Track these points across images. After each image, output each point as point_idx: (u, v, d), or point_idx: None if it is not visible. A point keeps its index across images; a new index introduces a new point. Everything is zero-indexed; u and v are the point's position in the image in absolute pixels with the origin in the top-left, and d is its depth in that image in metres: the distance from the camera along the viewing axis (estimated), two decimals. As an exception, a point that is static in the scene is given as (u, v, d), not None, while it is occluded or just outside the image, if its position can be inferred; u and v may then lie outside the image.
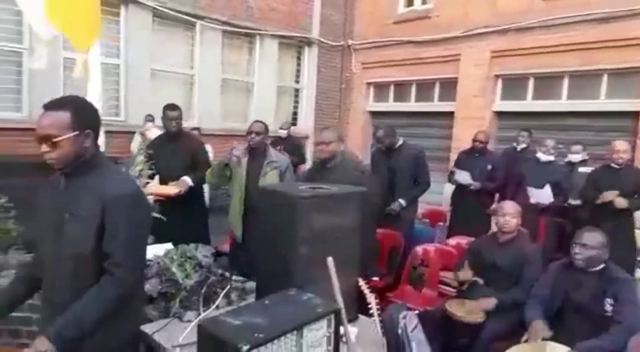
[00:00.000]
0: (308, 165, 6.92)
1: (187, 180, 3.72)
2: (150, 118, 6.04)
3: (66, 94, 1.79)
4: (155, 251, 2.49)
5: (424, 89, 8.44)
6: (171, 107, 3.79)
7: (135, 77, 6.82)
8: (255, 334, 1.56)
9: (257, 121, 3.61)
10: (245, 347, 1.49)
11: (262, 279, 2.31)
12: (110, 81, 6.53)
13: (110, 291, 1.62)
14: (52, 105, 1.61)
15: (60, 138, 1.57)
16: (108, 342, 1.65)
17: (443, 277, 3.48)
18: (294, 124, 9.07)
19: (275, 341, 1.60)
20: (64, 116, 1.59)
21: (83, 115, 1.64)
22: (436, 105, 8.26)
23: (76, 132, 1.60)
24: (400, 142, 4.51)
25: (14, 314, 2.12)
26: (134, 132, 6.19)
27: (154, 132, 5.25)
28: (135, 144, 5.49)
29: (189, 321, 2.17)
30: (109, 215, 1.60)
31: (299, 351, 1.68)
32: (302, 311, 1.78)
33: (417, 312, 2.11)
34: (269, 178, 3.43)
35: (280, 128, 6.82)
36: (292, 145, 6.64)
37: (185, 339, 2.00)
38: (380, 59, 8.75)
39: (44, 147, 1.58)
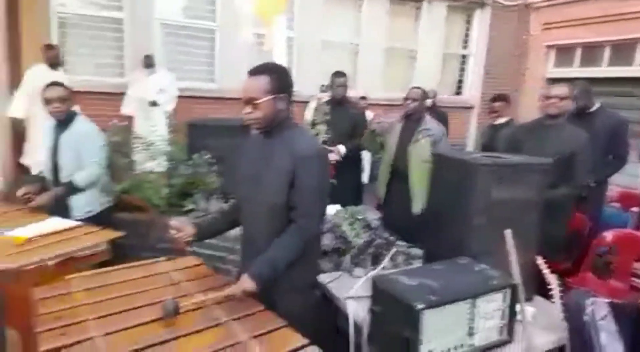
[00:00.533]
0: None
1: (341, 148, 3.86)
2: (324, 88, 6.32)
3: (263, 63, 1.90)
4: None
5: (622, 50, 7.17)
6: (338, 73, 3.97)
7: (307, 49, 7.22)
8: (430, 296, 1.59)
9: (414, 87, 3.59)
10: (420, 306, 1.52)
11: (431, 246, 2.31)
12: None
13: (296, 238, 1.80)
14: (255, 72, 1.78)
15: (260, 100, 1.74)
16: (294, 284, 1.85)
17: (636, 269, 3.01)
18: (459, 93, 8.62)
19: (449, 306, 1.60)
20: (264, 81, 1.74)
21: (280, 80, 1.78)
22: (637, 69, 6.96)
23: (274, 96, 1.75)
24: (597, 105, 3.75)
25: (222, 243, 2.53)
26: (306, 102, 6.61)
27: (313, 103, 5.50)
28: (310, 112, 5.84)
29: (359, 277, 2.30)
30: (298, 171, 1.75)
31: (471, 319, 1.66)
32: (476, 280, 1.75)
33: (606, 301, 1.88)
34: (420, 146, 3.39)
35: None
36: (437, 116, 6.14)
37: (356, 292, 2.14)
38: (565, 18, 7.65)
39: (247, 109, 1.78)
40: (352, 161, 4.08)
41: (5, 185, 3.14)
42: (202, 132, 3.66)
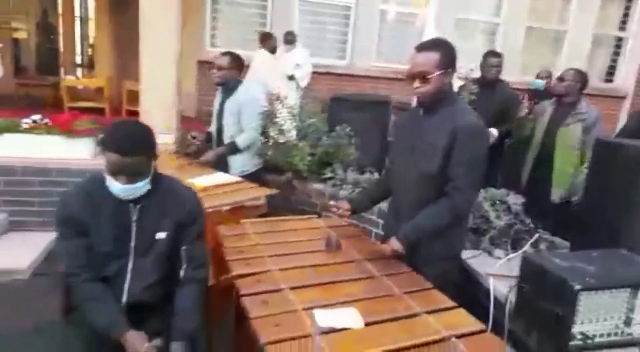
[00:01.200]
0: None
1: (493, 131, 3.74)
2: (473, 68, 6.10)
3: (429, 39, 1.99)
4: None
5: None
6: (492, 53, 3.84)
7: (444, 28, 7.07)
8: (587, 278, 1.59)
9: (569, 69, 3.49)
10: (578, 287, 1.54)
11: (581, 237, 2.23)
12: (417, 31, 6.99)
13: (447, 209, 1.84)
14: (425, 47, 1.84)
15: (431, 75, 1.79)
16: (439, 253, 1.94)
17: None
18: (609, 80, 7.77)
19: (607, 291, 1.59)
20: (435, 56, 1.79)
21: (448, 55, 1.82)
22: None
23: (442, 71, 1.80)
24: None
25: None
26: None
27: (457, 82, 5.37)
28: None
29: (499, 258, 2.33)
30: (458, 145, 1.79)
31: (630, 309, 1.63)
32: (637, 272, 1.69)
33: None
34: (570, 131, 3.23)
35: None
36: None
37: (497, 270, 2.18)
38: None
39: (416, 83, 1.85)
40: (494, 145, 3.97)
41: (176, 140, 3.70)
42: (342, 106, 3.88)
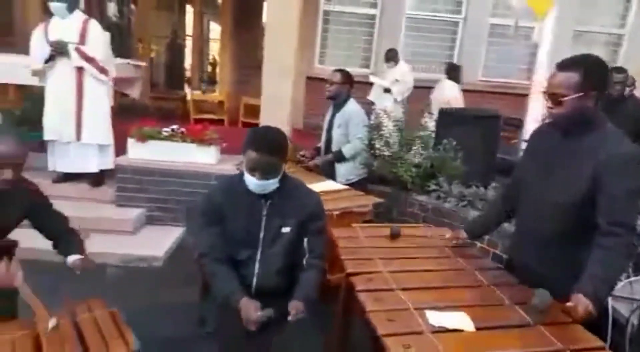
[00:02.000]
0: None
1: None
2: None
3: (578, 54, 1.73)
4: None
5: None
6: (618, 69, 3.59)
7: (559, 40, 6.72)
8: None
9: None
10: None
11: None
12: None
13: (624, 252, 1.60)
14: (565, 66, 1.66)
15: (565, 98, 1.63)
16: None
17: None
18: None
19: None
20: (573, 77, 1.62)
21: (592, 76, 1.63)
22: None
23: (581, 94, 1.61)
24: None
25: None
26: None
27: None
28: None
29: (619, 280, 2.22)
30: (610, 175, 1.59)
31: None
32: None
33: None
34: None
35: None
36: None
37: (618, 292, 2.08)
38: None
39: (549, 103, 1.72)
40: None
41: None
42: (449, 119, 3.90)
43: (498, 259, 2.84)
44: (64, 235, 2.01)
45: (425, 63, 7.07)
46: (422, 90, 6.18)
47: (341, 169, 3.55)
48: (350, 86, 3.53)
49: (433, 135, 3.91)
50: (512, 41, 6.07)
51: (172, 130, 4.01)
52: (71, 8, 3.78)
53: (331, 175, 3.50)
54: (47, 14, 4.22)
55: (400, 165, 3.62)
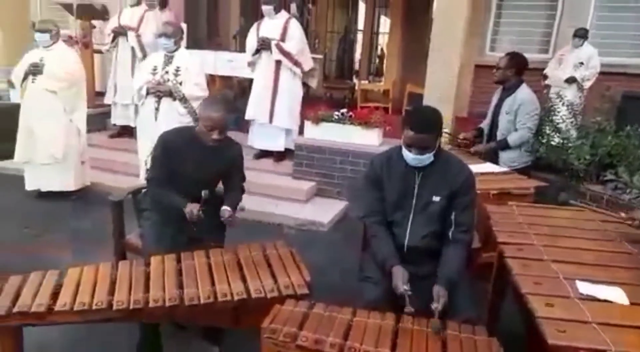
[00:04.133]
0: None
1: None
2: None
3: None
4: None
5: None
6: None
7: None
8: None
9: None
10: None
11: None
12: None
13: None
14: None
15: None
16: None
17: None
18: None
19: None
20: None
21: None
22: None
23: None
24: None
25: None
26: None
27: None
28: None
29: None
30: None
31: None
32: None
33: None
34: None
35: None
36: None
37: None
38: None
39: None
40: None
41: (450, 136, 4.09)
42: (637, 105, 3.50)
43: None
44: (233, 191, 2.50)
45: (614, 47, 6.23)
46: (608, 76, 5.52)
47: (504, 155, 3.49)
48: (520, 71, 3.43)
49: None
50: None
51: (342, 114, 4.46)
52: (277, 9, 4.51)
53: (493, 161, 3.47)
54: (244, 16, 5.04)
55: (571, 153, 3.41)
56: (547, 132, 3.59)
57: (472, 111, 6.33)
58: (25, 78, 4.05)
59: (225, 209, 2.32)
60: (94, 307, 1.73)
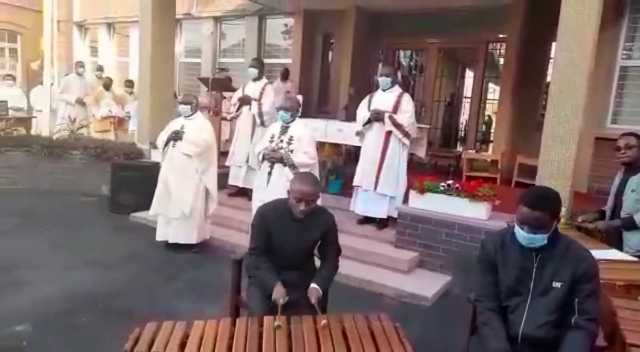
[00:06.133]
0: None
1: None
2: None
3: None
4: None
5: None
6: None
7: None
8: None
9: None
10: None
11: None
12: None
13: None
14: None
15: None
16: None
17: None
18: None
19: None
20: None
21: None
22: None
23: None
24: None
25: None
26: None
27: None
28: None
29: None
30: None
31: None
32: None
33: None
34: None
35: None
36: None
37: None
38: None
39: None
40: None
41: (567, 213, 3.83)
42: None
43: None
44: (325, 265, 2.57)
45: None
46: None
47: (630, 238, 3.21)
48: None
49: None
50: None
51: (448, 185, 4.45)
52: (393, 83, 4.83)
53: (617, 244, 3.20)
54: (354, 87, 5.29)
55: None
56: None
57: (593, 187, 5.90)
58: (167, 143, 4.69)
59: (314, 288, 2.39)
60: (213, 360, 1.89)
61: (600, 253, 2.85)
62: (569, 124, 4.05)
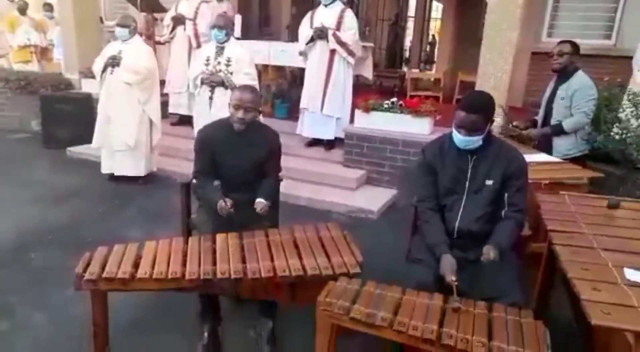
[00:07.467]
0: None
1: None
2: None
3: None
4: None
5: None
6: None
7: None
8: None
9: None
10: None
11: None
12: None
13: None
14: None
15: None
16: None
17: None
18: None
19: None
20: None
21: None
22: None
23: None
24: None
25: None
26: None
27: None
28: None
29: None
30: None
31: None
32: None
33: None
34: None
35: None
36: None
37: None
38: None
39: None
40: None
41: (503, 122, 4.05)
42: None
43: None
44: (268, 179, 2.58)
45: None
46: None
47: (559, 142, 3.43)
48: (578, 57, 3.37)
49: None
50: None
51: (392, 103, 4.52)
52: None
53: (547, 149, 3.43)
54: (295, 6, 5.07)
55: (630, 143, 3.31)
56: (606, 119, 3.48)
57: (527, 101, 6.17)
58: (104, 70, 4.36)
59: (260, 201, 2.43)
60: (169, 276, 1.94)
61: (530, 156, 3.07)
62: (506, 36, 4.14)
